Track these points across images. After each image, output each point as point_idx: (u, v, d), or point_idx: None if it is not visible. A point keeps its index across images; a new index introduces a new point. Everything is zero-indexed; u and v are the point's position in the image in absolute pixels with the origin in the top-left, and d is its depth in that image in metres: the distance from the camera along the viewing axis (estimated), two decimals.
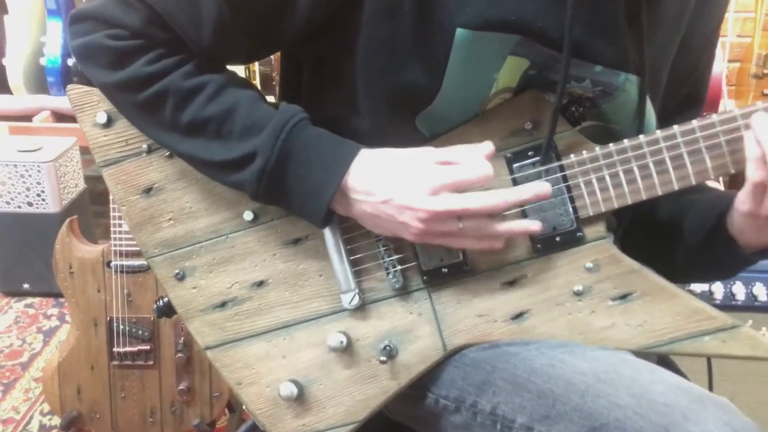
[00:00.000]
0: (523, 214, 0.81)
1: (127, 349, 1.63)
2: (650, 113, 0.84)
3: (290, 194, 0.79)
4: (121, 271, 1.61)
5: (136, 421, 1.67)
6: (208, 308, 0.87)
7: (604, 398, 0.71)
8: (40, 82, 2.53)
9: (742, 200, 0.77)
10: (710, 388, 1.29)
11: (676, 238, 0.89)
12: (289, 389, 0.84)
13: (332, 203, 0.78)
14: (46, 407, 1.85)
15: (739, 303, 1.43)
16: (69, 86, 0.91)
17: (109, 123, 0.89)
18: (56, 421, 1.83)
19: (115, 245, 1.59)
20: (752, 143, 0.73)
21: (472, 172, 0.76)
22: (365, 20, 0.76)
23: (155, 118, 0.82)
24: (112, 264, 1.60)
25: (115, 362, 1.64)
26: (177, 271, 0.88)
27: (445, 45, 0.75)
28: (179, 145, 0.83)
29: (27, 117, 2.49)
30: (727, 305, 1.43)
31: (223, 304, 0.87)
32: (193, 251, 0.88)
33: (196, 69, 0.80)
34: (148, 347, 1.63)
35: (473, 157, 0.77)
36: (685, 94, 0.92)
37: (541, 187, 0.78)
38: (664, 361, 0.97)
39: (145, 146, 0.88)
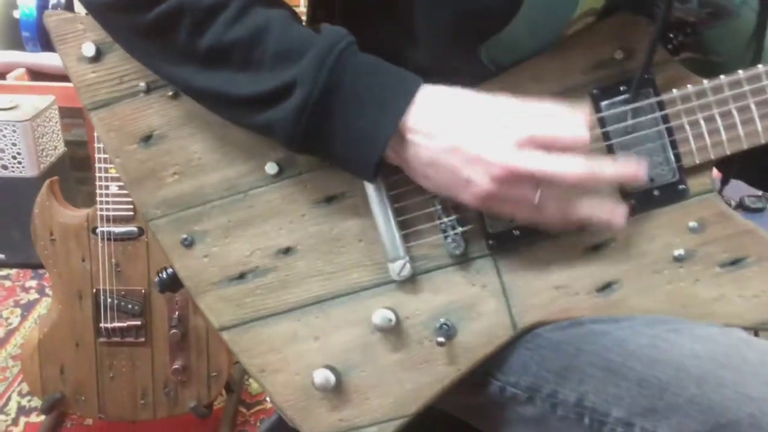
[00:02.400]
0: None
1: (116, 324, 1.48)
2: None
3: (335, 137, 0.64)
4: (109, 239, 1.45)
5: (126, 403, 1.53)
6: (224, 281, 0.72)
7: (730, 388, 0.57)
8: (14, 36, 2.33)
9: None
10: None
11: None
12: (325, 377, 0.69)
13: (387, 148, 0.63)
14: (26, 387, 1.70)
15: None
16: (47, 12, 0.75)
17: (98, 56, 0.73)
18: (36, 402, 1.69)
19: (102, 209, 1.43)
20: None
21: (568, 131, 0.61)
22: None
23: (164, 46, 0.67)
24: (99, 230, 1.44)
25: (103, 339, 1.49)
26: (185, 236, 0.73)
27: None
28: (194, 79, 0.67)
29: (0, 74, 2.30)
30: None
31: (241, 276, 0.72)
32: (204, 212, 0.72)
33: None
34: (138, 322, 1.48)
35: (566, 117, 0.62)
36: None
37: (642, 168, 0.63)
38: None
39: (143, 84, 0.72)
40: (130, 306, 1.48)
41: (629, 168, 0.63)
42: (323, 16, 0.76)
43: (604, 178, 0.63)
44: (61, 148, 2.26)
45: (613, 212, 0.64)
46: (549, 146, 0.61)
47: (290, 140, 0.65)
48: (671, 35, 0.69)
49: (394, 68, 0.65)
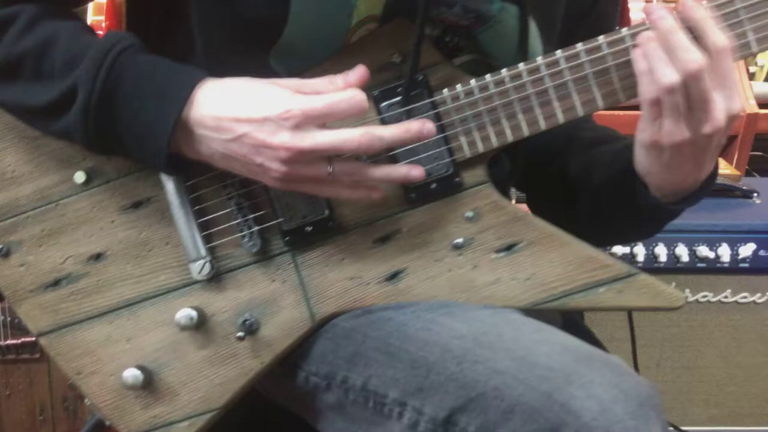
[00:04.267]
0: (393, 160, 0.71)
1: (10, 342, 1.49)
2: (536, 49, 0.74)
3: (125, 135, 0.67)
4: None
5: (25, 420, 1.53)
6: (39, 288, 0.75)
7: (482, 364, 0.61)
8: None
9: (642, 128, 0.67)
10: (634, 355, 1.23)
11: (588, 195, 0.80)
12: (133, 376, 0.72)
13: (176, 144, 0.67)
14: None
15: (662, 265, 1.38)
16: None
17: None
18: None
19: None
20: (640, 58, 0.64)
21: (343, 102, 0.65)
22: None
23: None
24: None
25: None
26: (0, 246, 0.75)
27: None
28: None
29: None
30: (649, 267, 1.38)
31: (56, 283, 0.75)
32: (19, 222, 0.75)
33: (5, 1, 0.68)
34: (33, 338, 1.49)
35: (343, 85, 0.66)
36: (589, 28, 0.83)
37: (425, 125, 0.67)
38: (578, 326, 0.89)
39: None
40: (23, 322, 1.49)
41: (410, 126, 0.67)
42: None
43: (385, 139, 0.66)
44: None
45: (408, 171, 0.68)
46: (327, 119, 0.65)
47: (86, 142, 0.69)
48: (447, 39, 0.73)
49: (175, 65, 0.68)
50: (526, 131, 0.69)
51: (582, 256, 0.69)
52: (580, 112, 0.68)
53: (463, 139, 0.70)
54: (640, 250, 1.41)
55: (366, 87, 0.71)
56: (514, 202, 1.70)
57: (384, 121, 0.71)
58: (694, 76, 0.61)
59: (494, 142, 0.70)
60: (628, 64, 0.66)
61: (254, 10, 0.66)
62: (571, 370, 0.58)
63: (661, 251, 1.40)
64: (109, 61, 0.65)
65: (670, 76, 0.62)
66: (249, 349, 0.73)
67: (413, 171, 0.68)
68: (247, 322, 0.72)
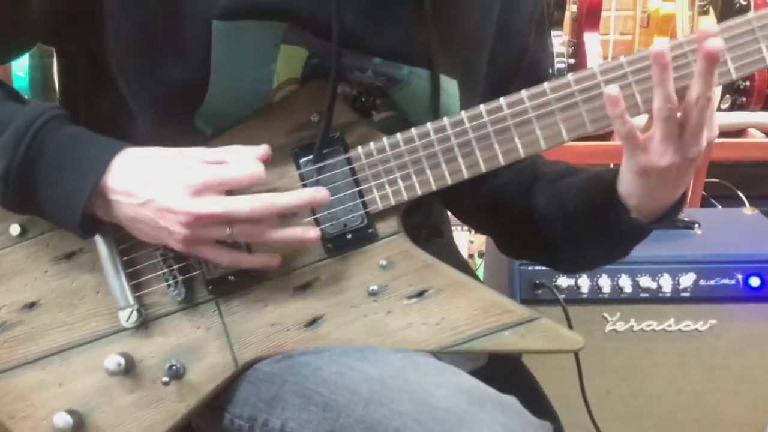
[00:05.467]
0: (312, 212, 0.75)
1: None
2: (451, 108, 0.79)
3: (43, 203, 0.71)
4: None
5: None
6: None
7: (387, 406, 0.65)
8: None
9: (627, 160, 0.71)
10: (581, 383, 1.26)
11: (561, 225, 0.83)
12: (63, 420, 0.75)
13: (91, 208, 0.71)
14: None
15: (606, 296, 1.42)
16: None
17: None
18: None
19: None
20: (611, 103, 0.67)
21: (239, 172, 0.70)
22: (106, 14, 0.69)
23: None
24: None
25: None
26: None
27: (202, 39, 0.70)
28: None
29: None
30: (594, 298, 1.42)
31: None
32: None
33: None
34: None
35: (243, 157, 0.71)
36: (524, 78, 0.88)
37: (318, 193, 0.73)
38: (504, 358, 0.92)
39: None
40: None
41: (307, 193, 0.72)
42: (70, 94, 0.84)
43: (283, 206, 0.71)
44: None
45: (303, 233, 0.72)
46: (226, 188, 0.70)
47: (4, 206, 0.73)
48: (363, 98, 0.78)
49: (96, 137, 0.72)
50: (433, 185, 0.74)
51: (487, 302, 0.74)
52: (483, 168, 0.73)
53: (376, 193, 0.75)
54: (584, 282, 1.44)
55: (286, 144, 0.76)
56: (472, 235, 1.74)
57: (302, 176, 0.75)
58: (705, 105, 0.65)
59: (405, 195, 0.74)
60: (526, 123, 0.72)
61: (175, 78, 0.71)
62: (464, 412, 0.62)
63: (605, 282, 1.44)
64: (31, 133, 0.70)
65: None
66: (175, 393, 0.76)
67: (309, 232, 0.73)
68: (173, 368, 0.75)
